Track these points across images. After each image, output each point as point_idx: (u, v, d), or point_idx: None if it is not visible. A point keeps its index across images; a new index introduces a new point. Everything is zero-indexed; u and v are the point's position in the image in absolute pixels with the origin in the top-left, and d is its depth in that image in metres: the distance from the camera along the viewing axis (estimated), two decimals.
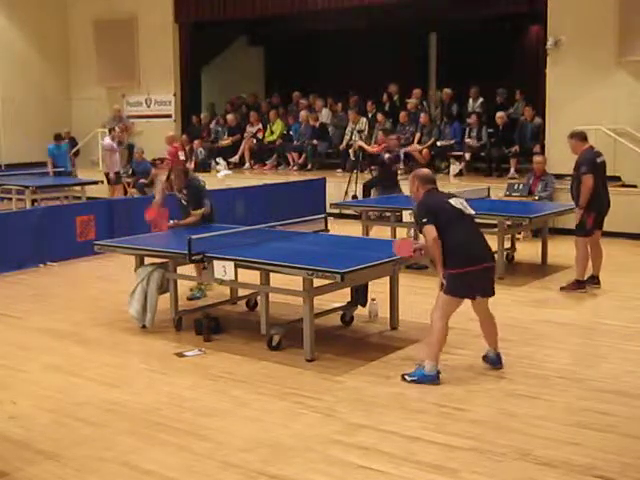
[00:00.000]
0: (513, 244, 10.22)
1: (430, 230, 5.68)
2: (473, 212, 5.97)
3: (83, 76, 19.45)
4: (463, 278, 5.67)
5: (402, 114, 15.47)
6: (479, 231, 5.96)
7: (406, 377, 5.81)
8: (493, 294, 5.93)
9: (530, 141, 13.78)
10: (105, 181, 15.40)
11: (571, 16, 12.76)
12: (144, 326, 7.26)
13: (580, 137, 8.37)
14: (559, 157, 12.03)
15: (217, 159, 16.82)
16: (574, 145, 8.36)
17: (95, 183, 14.84)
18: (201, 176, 9.87)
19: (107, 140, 15.58)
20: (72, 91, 19.77)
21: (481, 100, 15.35)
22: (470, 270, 5.67)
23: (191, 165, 17.00)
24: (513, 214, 9.38)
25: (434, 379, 5.73)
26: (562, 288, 8.50)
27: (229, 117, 17.63)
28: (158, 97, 18.45)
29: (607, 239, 9.25)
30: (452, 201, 5.85)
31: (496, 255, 9.15)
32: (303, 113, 16.75)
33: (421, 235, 6.20)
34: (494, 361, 6.07)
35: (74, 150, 18.34)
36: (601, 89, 12.63)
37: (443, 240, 5.65)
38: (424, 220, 5.71)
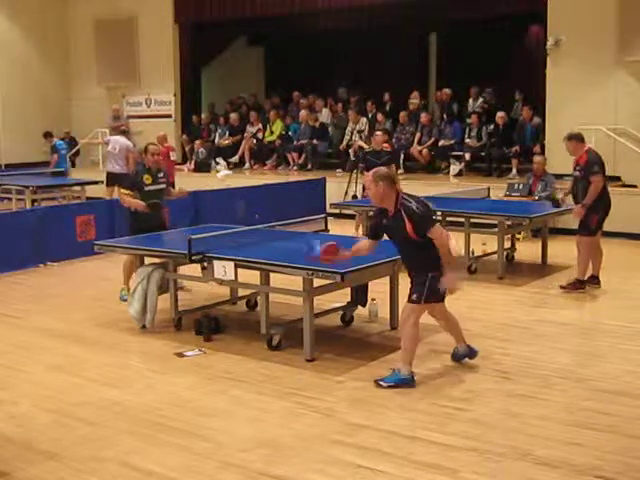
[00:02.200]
0: (513, 244, 10.23)
1: (440, 228, 5.62)
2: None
3: (83, 76, 19.45)
4: (438, 280, 5.64)
5: (402, 114, 15.48)
6: None
7: (382, 383, 5.72)
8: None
9: (530, 141, 13.78)
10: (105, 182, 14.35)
11: (571, 16, 12.76)
12: (144, 326, 7.26)
13: (579, 138, 8.36)
14: (559, 157, 12.02)
15: (217, 159, 16.81)
16: (574, 147, 8.33)
17: (95, 183, 14.77)
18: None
19: (124, 140, 14.20)
20: (72, 91, 19.77)
21: (481, 100, 15.35)
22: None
23: (191, 165, 17.02)
24: (513, 214, 9.38)
25: (410, 382, 5.70)
26: (562, 287, 8.49)
27: (232, 117, 17.62)
28: (158, 97, 18.45)
29: (607, 239, 9.24)
30: None
31: (496, 255, 9.24)
32: (303, 113, 16.74)
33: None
34: (467, 354, 6.08)
35: (74, 150, 18.36)
36: (601, 89, 12.64)
37: (432, 244, 5.56)
38: (434, 219, 5.68)
